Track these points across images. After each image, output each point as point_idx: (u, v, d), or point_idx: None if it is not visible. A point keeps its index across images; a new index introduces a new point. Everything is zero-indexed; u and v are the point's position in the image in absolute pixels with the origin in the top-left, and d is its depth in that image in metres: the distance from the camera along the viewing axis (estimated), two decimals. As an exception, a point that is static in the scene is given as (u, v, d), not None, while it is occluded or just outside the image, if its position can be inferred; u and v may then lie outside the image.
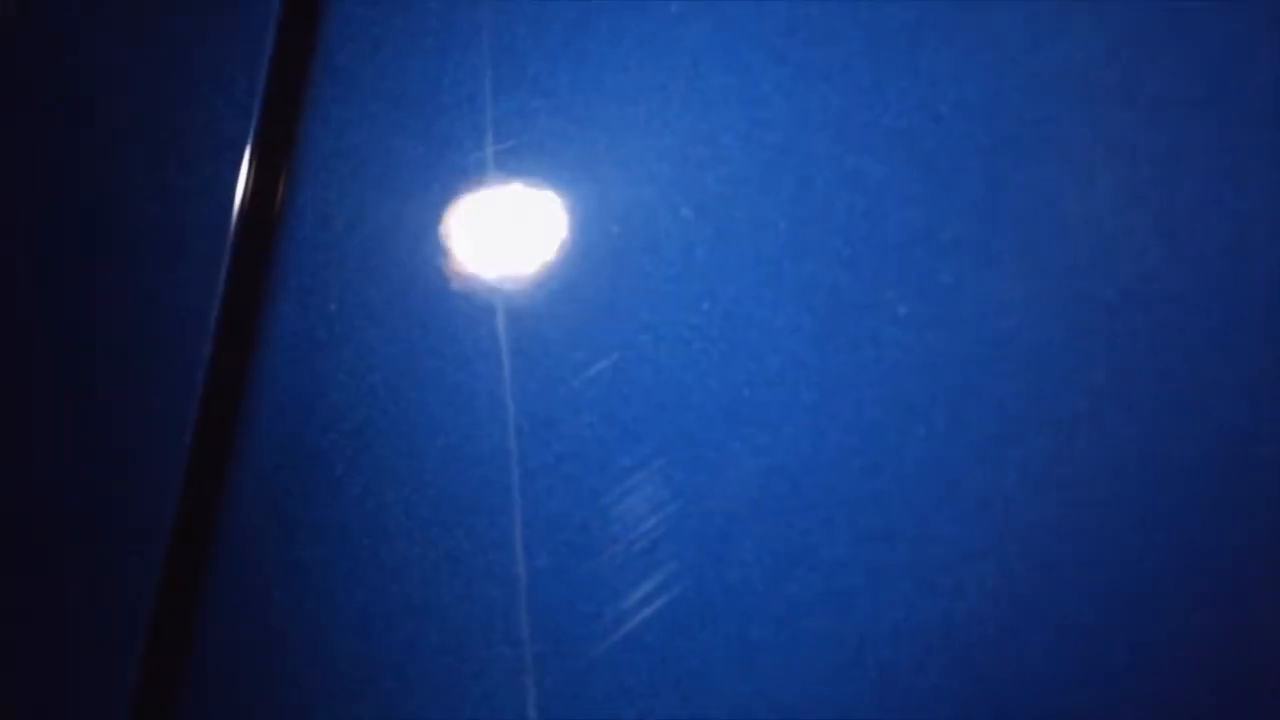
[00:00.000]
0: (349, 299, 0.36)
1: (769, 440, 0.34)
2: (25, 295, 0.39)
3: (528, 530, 0.34)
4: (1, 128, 0.39)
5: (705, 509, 0.34)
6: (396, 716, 0.35)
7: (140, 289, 0.37)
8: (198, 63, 0.37)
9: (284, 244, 0.36)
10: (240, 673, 0.35)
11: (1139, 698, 0.33)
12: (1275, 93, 0.33)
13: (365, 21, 0.36)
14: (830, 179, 0.34)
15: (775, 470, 0.34)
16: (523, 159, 0.35)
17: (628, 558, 0.34)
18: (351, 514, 0.35)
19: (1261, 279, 0.33)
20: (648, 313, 0.35)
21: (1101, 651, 0.33)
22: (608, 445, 0.34)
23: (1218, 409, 0.33)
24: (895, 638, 0.33)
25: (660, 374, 0.34)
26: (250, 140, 0.36)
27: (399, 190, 0.36)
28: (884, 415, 0.34)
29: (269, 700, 0.35)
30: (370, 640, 0.35)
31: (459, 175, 0.35)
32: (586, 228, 0.35)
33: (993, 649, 0.33)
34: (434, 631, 0.34)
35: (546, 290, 0.35)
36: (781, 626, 0.34)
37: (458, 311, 0.35)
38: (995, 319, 0.34)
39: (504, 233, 0.35)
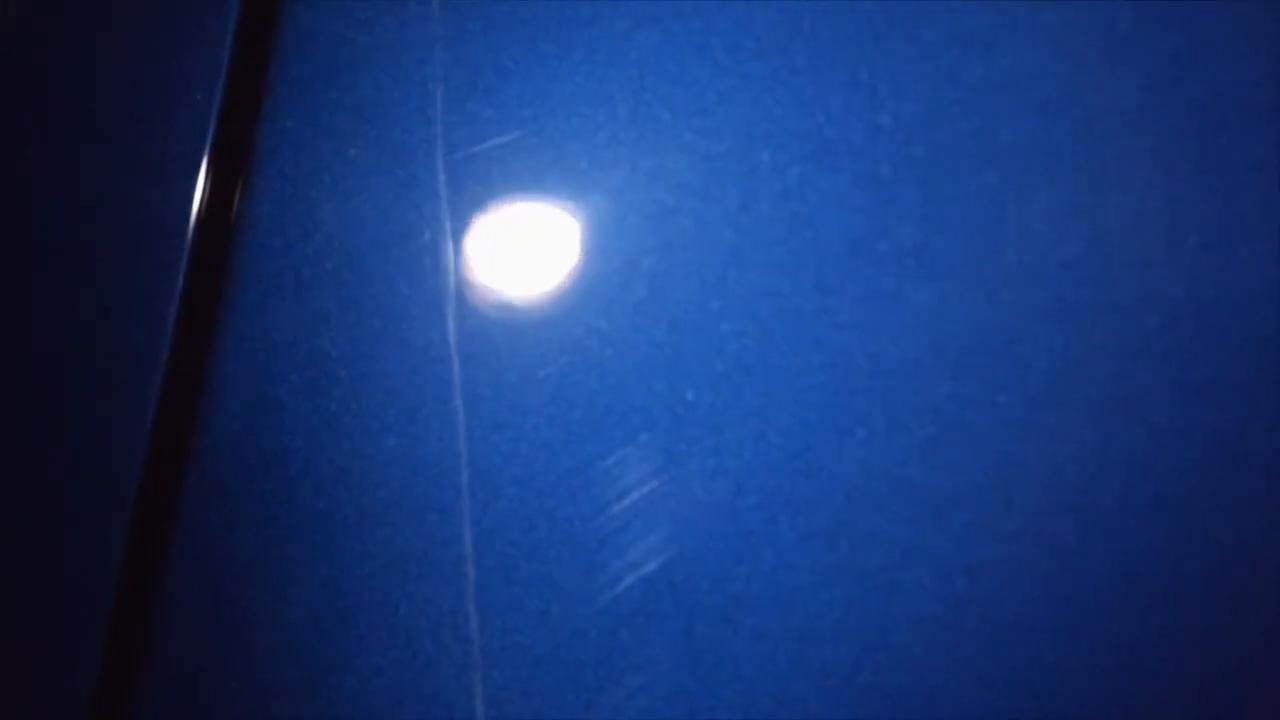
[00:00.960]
0: (303, 304, 0.36)
1: (714, 443, 0.35)
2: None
3: (477, 529, 0.35)
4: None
5: (650, 510, 0.35)
6: (349, 712, 0.35)
7: (99, 295, 0.37)
8: (156, 73, 0.38)
9: (240, 251, 0.36)
10: (197, 670, 0.36)
11: (1076, 695, 0.33)
12: (1208, 104, 0.34)
13: (321, 35, 0.37)
14: (774, 189, 0.35)
15: (719, 472, 0.35)
16: (473, 169, 0.36)
17: (574, 556, 0.35)
18: (305, 514, 0.36)
19: (1195, 285, 0.34)
20: (594, 318, 0.35)
21: (1038, 649, 0.33)
22: (554, 447, 0.35)
23: (1153, 412, 0.33)
24: (836, 637, 0.34)
25: (607, 378, 0.35)
26: (208, 149, 0.37)
27: (353, 199, 0.36)
28: (825, 419, 0.34)
29: (225, 696, 0.36)
30: (323, 637, 0.35)
31: (411, 185, 0.36)
32: (534, 236, 0.36)
33: (930, 647, 0.34)
34: (385, 628, 0.35)
35: (496, 296, 0.36)
36: (725, 625, 0.34)
37: (408, 316, 0.36)
38: (934, 325, 0.34)
39: (454, 241, 0.36)
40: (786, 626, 0.34)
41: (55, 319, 0.37)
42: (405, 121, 0.36)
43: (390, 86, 0.36)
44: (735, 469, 0.35)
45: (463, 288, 0.36)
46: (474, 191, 0.36)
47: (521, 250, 0.36)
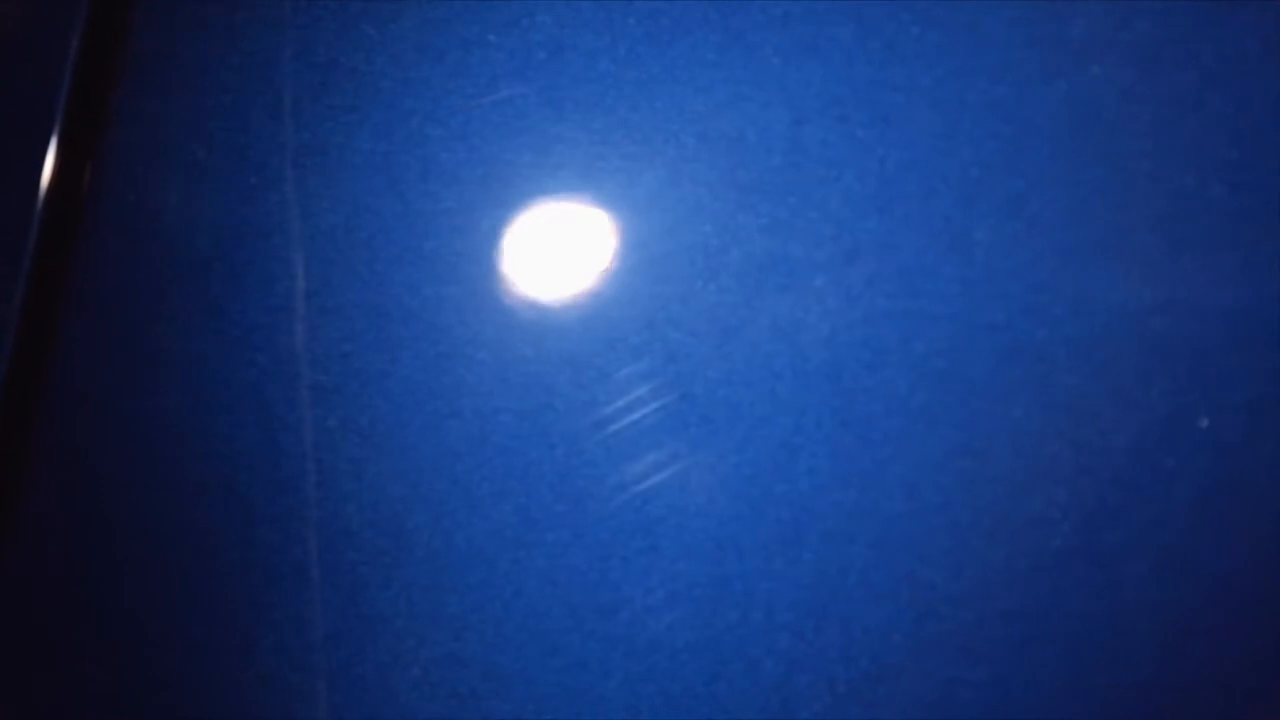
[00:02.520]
0: (148, 304, 0.36)
1: (563, 451, 0.35)
2: None
3: (322, 535, 0.35)
4: None
5: (500, 517, 0.34)
6: (185, 718, 0.35)
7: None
8: (3, 54, 0.37)
9: (85, 249, 0.36)
10: (27, 678, 0.35)
11: (923, 698, 0.34)
12: (1073, 113, 0.34)
13: (171, 34, 0.36)
14: (628, 196, 0.35)
15: (568, 480, 0.35)
16: (322, 172, 0.36)
17: (421, 563, 0.35)
18: (143, 516, 0.35)
19: (1055, 295, 0.34)
20: (445, 322, 0.35)
21: (898, 655, 0.34)
22: (403, 452, 0.35)
23: (1014, 419, 0.34)
24: (691, 648, 0.34)
25: (458, 383, 0.35)
26: (54, 145, 0.36)
27: (201, 199, 0.36)
28: (680, 429, 0.34)
29: (56, 705, 0.35)
30: (160, 644, 0.35)
31: (260, 187, 0.36)
32: (383, 240, 0.36)
33: (783, 660, 0.34)
34: (225, 635, 0.35)
35: (344, 300, 0.35)
36: (575, 634, 0.34)
37: (256, 318, 0.36)
38: (790, 334, 0.34)
39: (302, 244, 0.36)
40: (636, 636, 0.34)
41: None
42: (254, 123, 0.36)
43: (239, 88, 0.36)
44: (587, 478, 0.34)
45: (311, 291, 0.35)
46: (323, 194, 0.35)
47: (370, 254, 0.35)
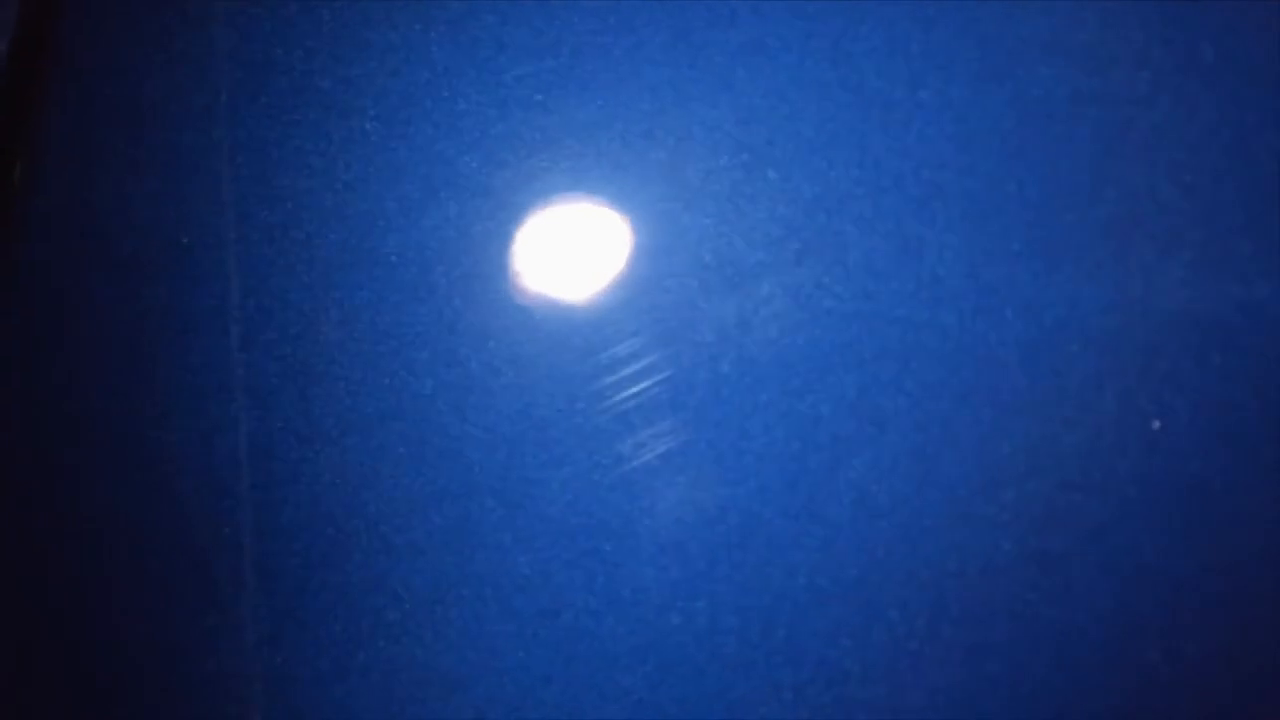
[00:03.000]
0: (80, 305, 0.36)
1: (504, 453, 0.34)
2: None
3: (259, 538, 0.34)
4: None
5: (441, 518, 0.34)
6: (119, 724, 0.34)
7: None
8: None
9: (15, 250, 0.36)
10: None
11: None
12: (1014, 113, 0.34)
13: (101, 30, 0.36)
14: (571, 198, 0.35)
15: (515, 475, 0.34)
16: (260, 173, 0.35)
17: (360, 565, 0.34)
18: (77, 521, 0.35)
19: (997, 296, 0.34)
20: (382, 322, 0.35)
21: (847, 662, 0.34)
22: (345, 454, 0.35)
23: (967, 423, 0.34)
24: (633, 653, 0.34)
25: (400, 384, 0.35)
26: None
27: (135, 199, 0.36)
28: (626, 434, 0.34)
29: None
30: (92, 647, 0.35)
31: (196, 189, 0.35)
32: (321, 242, 0.35)
33: (723, 666, 0.34)
34: (161, 637, 0.34)
35: (281, 295, 0.35)
36: (521, 638, 0.34)
37: (190, 320, 0.35)
38: (738, 336, 0.34)
39: (239, 246, 0.35)
40: (578, 640, 0.34)
41: None
42: (189, 122, 0.35)
43: (173, 87, 0.35)
44: (529, 481, 0.34)
45: (247, 291, 0.35)
46: (259, 194, 0.35)
47: (308, 254, 0.35)
